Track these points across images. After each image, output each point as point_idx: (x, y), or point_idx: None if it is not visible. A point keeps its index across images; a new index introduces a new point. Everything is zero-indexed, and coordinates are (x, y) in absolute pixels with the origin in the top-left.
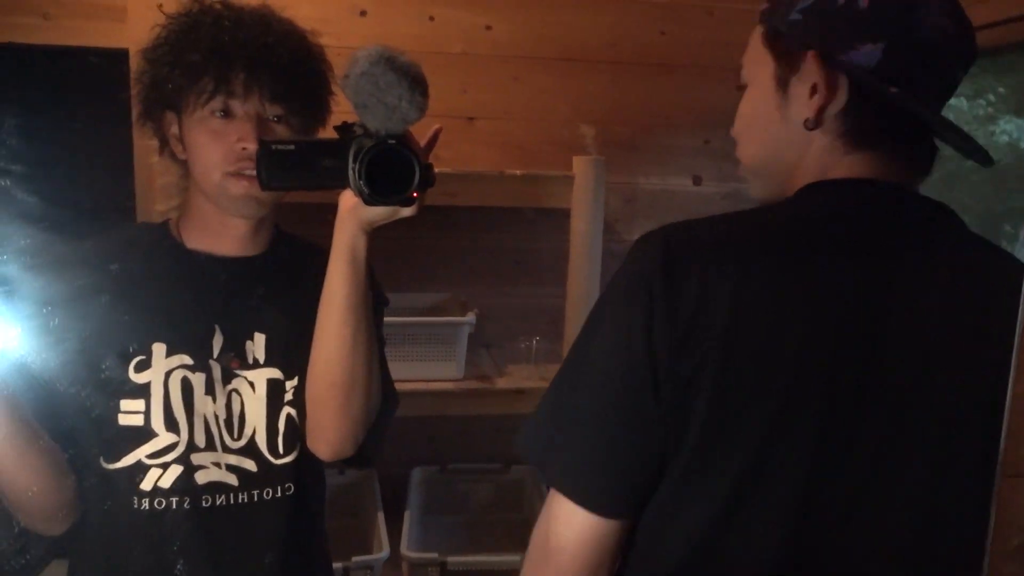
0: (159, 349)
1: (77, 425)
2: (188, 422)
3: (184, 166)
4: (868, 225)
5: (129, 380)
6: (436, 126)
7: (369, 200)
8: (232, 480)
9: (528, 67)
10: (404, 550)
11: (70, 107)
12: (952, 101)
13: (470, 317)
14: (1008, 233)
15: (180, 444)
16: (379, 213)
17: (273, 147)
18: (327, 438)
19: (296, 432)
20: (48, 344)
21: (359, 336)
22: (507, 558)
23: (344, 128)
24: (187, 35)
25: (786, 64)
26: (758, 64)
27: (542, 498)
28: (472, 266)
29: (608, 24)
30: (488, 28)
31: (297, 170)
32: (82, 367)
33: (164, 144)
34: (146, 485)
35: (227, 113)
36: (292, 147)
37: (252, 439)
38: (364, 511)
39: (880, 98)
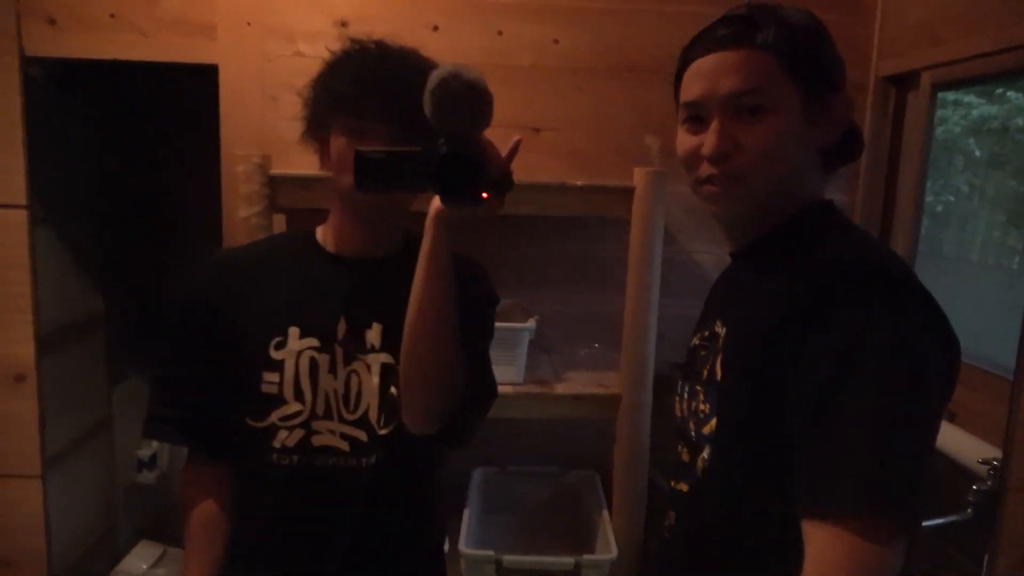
0: (294, 332)
1: (233, 390)
2: (312, 394)
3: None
4: None
5: (270, 356)
6: (517, 138)
7: (442, 200)
8: (344, 446)
9: (594, 78)
10: (462, 547)
11: (164, 118)
12: None
13: (531, 323)
14: None
15: (304, 412)
16: (458, 213)
17: (366, 155)
18: (410, 411)
19: (395, 407)
20: (236, 328)
21: (440, 324)
22: (561, 559)
23: (431, 139)
24: (340, 67)
25: (816, 98)
26: (782, 91)
27: (599, 503)
28: (535, 273)
29: (675, 36)
30: (556, 41)
31: (385, 175)
32: (241, 346)
33: (322, 157)
34: (276, 443)
35: (363, 134)
36: (382, 155)
37: (365, 414)
38: None
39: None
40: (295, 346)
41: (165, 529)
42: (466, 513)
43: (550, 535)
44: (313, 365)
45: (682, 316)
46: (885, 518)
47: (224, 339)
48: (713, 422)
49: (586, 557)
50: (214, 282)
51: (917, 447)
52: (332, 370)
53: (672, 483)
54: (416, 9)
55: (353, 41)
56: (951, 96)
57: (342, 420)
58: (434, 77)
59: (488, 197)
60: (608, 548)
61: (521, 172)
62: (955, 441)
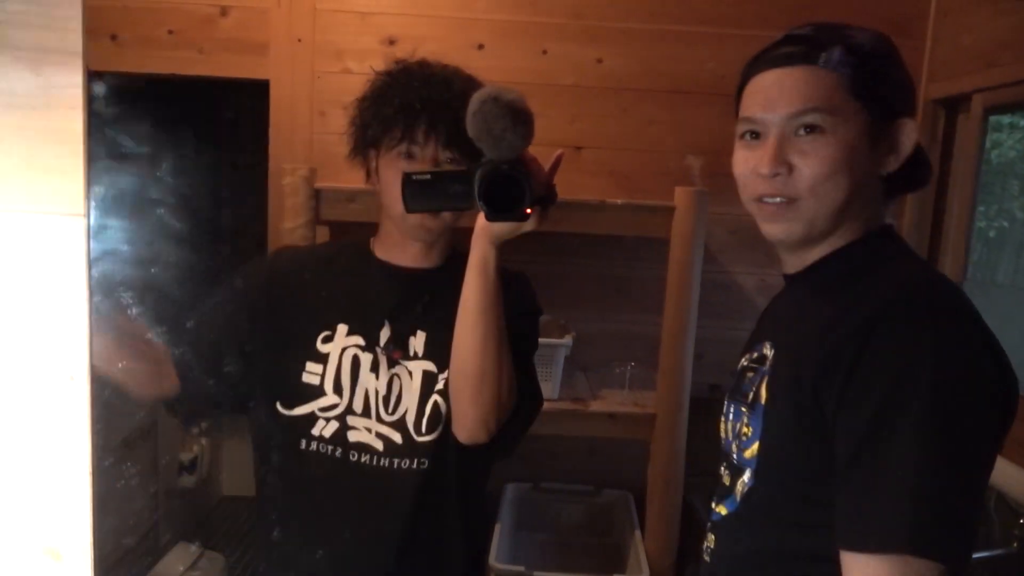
0: (342, 329)
1: (272, 373)
2: (351, 390)
3: (378, 195)
4: None
5: (316, 349)
6: (559, 152)
7: (488, 217)
8: (378, 445)
9: (637, 99)
10: (492, 561)
11: (219, 131)
12: None
13: (567, 340)
14: None
15: (340, 406)
16: (504, 228)
17: (413, 177)
18: (462, 423)
19: (439, 416)
20: (289, 316)
21: (488, 335)
22: None
23: (476, 158)
24: (387, 90)
25: (880, 121)
26: (843, 113)
27: (632, 524)
28: (574, 290)
29: (718, 57)
30: (599, 61)
31: (433, 195)
32: (290, 334)
33: (369, 174)
34: (315, 431)
35: (411, 156)
36: (428, 176)
37: (403, 417)
38: None
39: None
40: (341, 342)
41: (204, 532)
42: (497, 528)
43: (581, 554)
44: (355, 362)
45: (720, 338)
46: (925, 556)
47: (274, 324)
48: (755, 446)
49: None
50: (279, 269)
51: (964, 485)
52: (374, 369)
53: (712, 505)
54: (462, 28)
55: (398, 63)
56: (1006, 119)
57: (379, 420)
58: (475, 100)
59: (532, 212)
60: (640, 569)
61: (563, 190)
62: (1002, 474)
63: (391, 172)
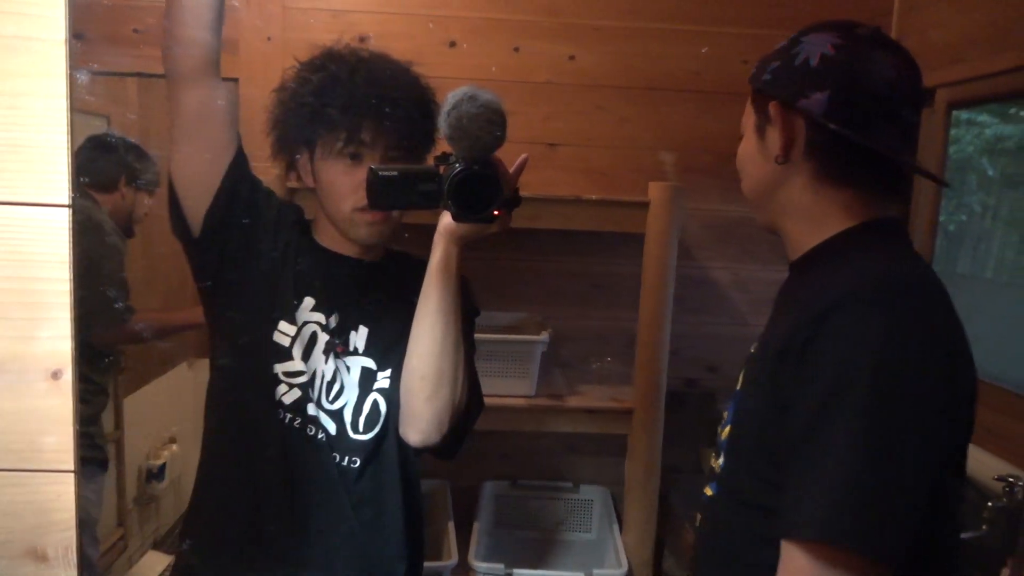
0: (308, 302)
1: (264, 331)
2: (311, 363)
3: (312, 192)
4: None
5: (291, 313)
6: (523, 155)
7: (456, 217)
8: (319, 431)
9: (611, 96)
10: (471, 559)
11: None
12: None
13: (544, 336)
14: None
15: (305, 375)
16: (469, 229)
17: (380, 173)
18: (416, 425)
19: (377, 416)
20: (278, 266)
21: (447, 337)
22: (571, 574)
23: (443, 158)
24: (325, 89)
25: (762, 115)
26: (748, 117)
27: (610, 518)
28: (550, 287)
29: (692, 54)
30: (572, 58)
31: (399, 193)
32: (277, 283)
33: (291, 169)
34: (278, 396)
35: (356, 157)
36: (395, 173)
37: (341, 409)
38: (436, 520)
39: (831, 136)
40: (304, 315)
41: (173, 540)
42: (476, 526)
43: (560, 550)
44: (313, 339)
45: (696, 333)
46: (849, 548)
47: (264, 264)
48: (727, 429)
49: (596, 572)
50: (288, 216)
51: (900, 477)
52: (327, 352)
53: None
54: (435, 26)
55: (325, 52)
56: (964, 115)
57: (319, 404)
58: (450, 98)
59: (499, 214)
60: (619, 564)
61: (537, 187)
62: (970, 458)
63: (336, 174)
